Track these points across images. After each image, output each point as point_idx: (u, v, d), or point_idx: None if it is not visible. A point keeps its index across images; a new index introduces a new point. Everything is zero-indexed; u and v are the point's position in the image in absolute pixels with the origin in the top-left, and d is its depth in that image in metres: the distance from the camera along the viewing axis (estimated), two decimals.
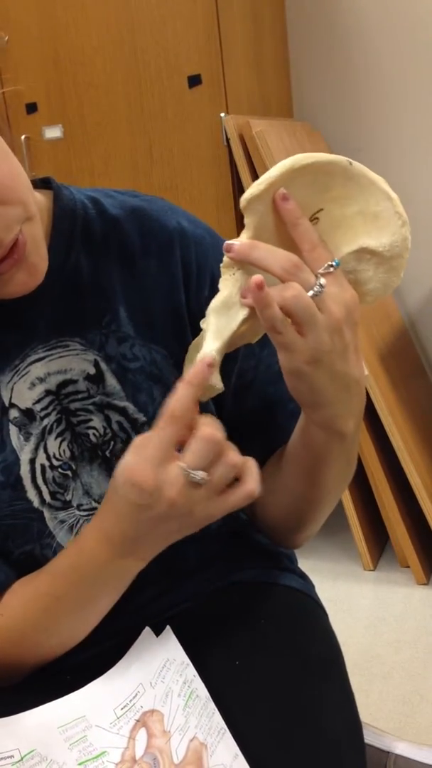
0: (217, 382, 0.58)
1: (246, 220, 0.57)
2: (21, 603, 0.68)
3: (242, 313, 0.58)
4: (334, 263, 0.57)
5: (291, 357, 0.56)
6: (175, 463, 0.56)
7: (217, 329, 0.58)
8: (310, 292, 0.55)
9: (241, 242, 0.56)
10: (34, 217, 0.62)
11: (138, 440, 0.58)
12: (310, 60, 2.17)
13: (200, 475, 0.56)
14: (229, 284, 0.58)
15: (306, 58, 2.18)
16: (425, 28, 2.02)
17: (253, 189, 0.55)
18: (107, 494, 0.62)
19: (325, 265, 0.56)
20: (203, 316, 0.73)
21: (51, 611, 0.66)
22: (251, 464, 0.59)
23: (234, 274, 0.58)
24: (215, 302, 0.58)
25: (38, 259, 0.63)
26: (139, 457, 0.56)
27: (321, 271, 0.56)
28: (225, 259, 0.58)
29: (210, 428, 0.56)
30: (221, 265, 0.58)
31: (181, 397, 0.56)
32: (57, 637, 0.68)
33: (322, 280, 0.56)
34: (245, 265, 0.57)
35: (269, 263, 0.55)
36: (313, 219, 0.58)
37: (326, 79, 2.17)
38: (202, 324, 0.60)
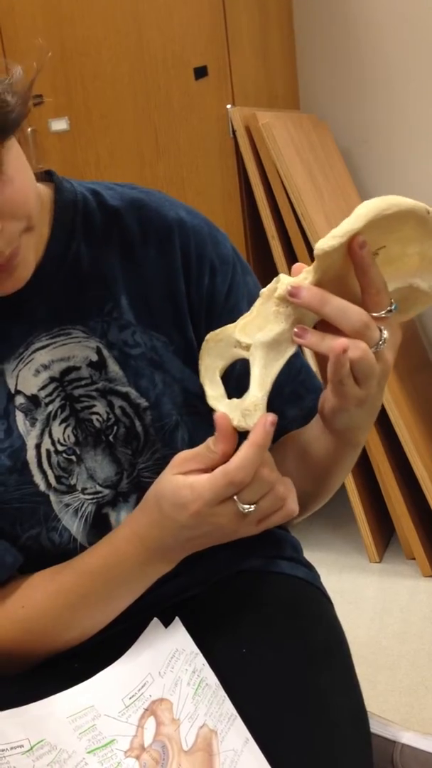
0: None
1: (315, 264, 0.56)
2: (43, 597, 0.69)
3: (291, 350, 0.59)
4: (392, 308, 0.58)
5: (344, 402, 0.59)
6: (228, 504, 0.60)
7: (265, 366, 0.59)
8: (374, 348, 0.57)
9: (310, 291, 0.56)
10: (35, 227, 0.63)
11: (179, 460, 0.62)
12: (317, 52, 2.16)
13: (251, 508, 0.60)
14: (281, 320, 0.58)
15: (312, 49, 2.17)
16: (431, 19, 2.01)
17: (333, 241, 0.55)
18: (146, 504, 0.65)
19: (386, 310, 0.58)
20: (204, 303, 0.74)
21: (75, 607, 0.68)
22: (291, 485, 0.63)
23: (287, 307, 0.58)
24: (266, 337, 0.59)
25: (25, 271, 0.64)
26: (194, 493, 0.59)
27: (381, 314, 0.58)
28: (280, 292, 0.57)
29: (267, 469, 0.60)
30: (276, 295, 0.58)
31: (246, 460, 0.58)
32: (76, 630, 0.70)
33: (386, 334, 0.58)
34: None
35: (340, 322, 0.56)
36: (374, 254, 0.58)
37: (333, 71, 2.16)
38: (239, 336, 0.61)
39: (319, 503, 0.79)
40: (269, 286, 0.60)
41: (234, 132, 1.75)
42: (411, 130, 2.11)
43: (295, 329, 0.58)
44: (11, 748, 0.61)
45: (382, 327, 0.58)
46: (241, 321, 0.62)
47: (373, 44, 2.10)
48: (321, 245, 0.55)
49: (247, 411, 0.59)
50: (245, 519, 0.61)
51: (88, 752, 0.61)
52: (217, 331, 0.63)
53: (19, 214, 0.60)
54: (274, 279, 0.60)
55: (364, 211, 0.55)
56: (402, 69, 2.08)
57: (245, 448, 0.58)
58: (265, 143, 1.72)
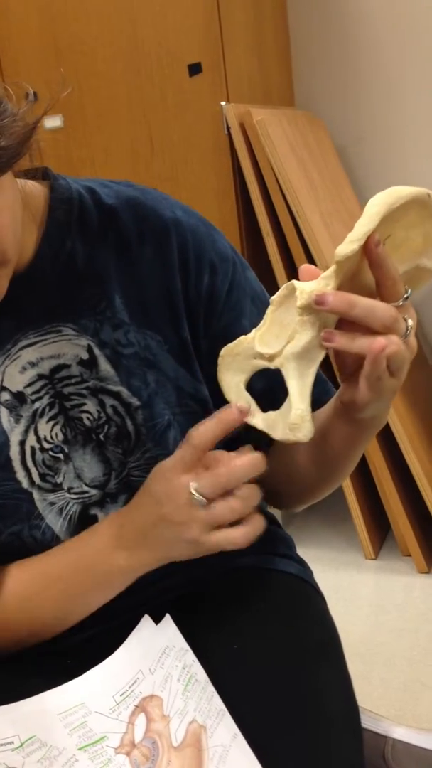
0: (308, 433, 0.60)
1: (336, 269, 0.57)
2: (15, 583, 0.70)
3: (321, 355, 0.60)
4: (408, 294, 0.59)
5: (380, 394, 0.60)
6: (187, 476, 0.62)
7: (300, 376, 0.60)
8: (403, 338, 0.58)
9: (336, 297, 0.56)
10: (10, 262, 0.62)
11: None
12: (312, 48, 2.16)
13: (202, 501, 0.61)
14: (308, 327, 0.58)
15: (307, 46, 2.17)
16: (427, 16, 2.01)
17: (353, 245, 0.55)
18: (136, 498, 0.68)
19: (403, 298, 0.59)
20: (203, 301, 0.73)
21: (40, 593, 0.69)
22: (258, 523, 0.64)
23: (311, 314, 0.58)
24: (296, 348, 0.59)
25: None
26: (166, 459, 0.65)
27: (399, 303, 0.58)
28: (303, 302, 0.57)
29: (226, 468, 0.61)
30: (298, 305, 0.58)
31: (206, 428, 0.62)
32: (41, 619, 0.71)
33: (411, 322, 0.59)
34: None
35: (370, 321, 0.57)
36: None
37: (328, 68, 2.16)
38: (260, 348, 0.62)
39: (326, 491, 0.79)
40: (279, 293, 0.61)
41: (228, 129, 1.75)
42: (407, 128, 2.11)
43: (323, 334, 0.58)
44: (1, 745, 0.61)
45: (405, 316, 0.59)
46: (257, 332, 0.62)
47: (369, 41, 2.10)
48: (342, 251, 0.56)
49: (295, 425, 0.60)
50: (199, 512, 0.62)
51: (79, 749, 0.61)
52: (231, 345, 0.64)
53: None
54: (284, 286, 0.60)
55: (376, 210, 0.55)
56: (398, 66, 2.08)
57: (211, 418, 0.62)
58: (259, 140, 1.72)
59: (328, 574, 1.86)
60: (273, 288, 0.81)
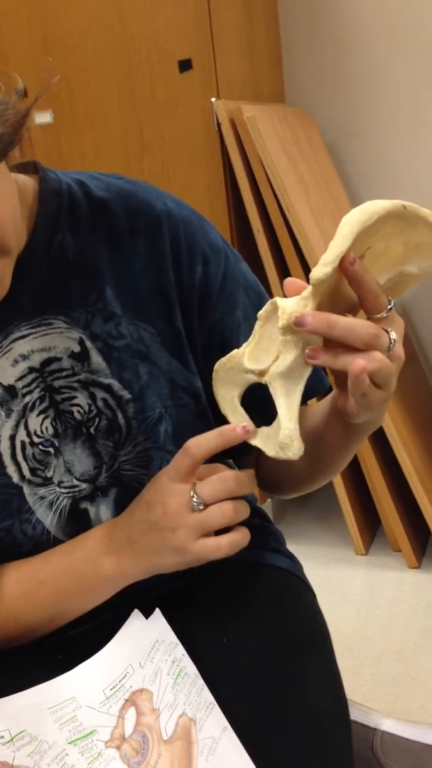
0: (297, 452, 0.60)
1: (313, 290, 0.57)
2: (9, 583, 0.70)
3: (307, 372, 0.60)
4: (392, 305, 0.59)
5: (369, 407, 0.60)
6: (181, 485, 0.64)
7: (287, 395, 0.60)
8: (386, 353, 0.58)
9: (315, 318, 0.56)
10: (9, 252, 0.62)
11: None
12: (302, 45, 2.16)
13: (200, 504, 0.63)
14: (291, 347, 0.59)
15: (298, 42, 2.17)
16: (418, 13, 2.02)
17: (326, 268, 0.55)
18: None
19: (386, 309, 0.59)
20: (196, 292, 0.74)
21: (31, 594, 0.70)
22: (244, 534, 0.64)
23: (294, 334, 0.58)
24: (281, 367, 0.60)
25: (1, 289, 0.64)
26: (164, 469, 0.66)
27: (383, 315, 0.58)
28: (284, 323, 0.58)
29: (229, 473, 0.64)
30: (279, 326, 0.58)
31: (205, 440, 0.63)
32: (27, 624, 0.71)
33: (394, 335, 0.58)
34: None
35: (351, 340, 0.56)
36: (361, 257, 0.58)
37: (318, 65, 2.16)
38: (249, 364, 0.62)
39: (325, 480, 0.80)
40: (265, 308, 0.61)
41: (219, 125, 1.75)
42: (397, 125, 2.12)
43: (307, 351, 0.58)
44: None
45: (389, 329, 0.58)
46: (247, 348, 0.63)
47: (360, 38, 2.10)
48: (316, 275, 0.56)
49: (284, 444, 0.60)
50: (190, 516, 0.63)
51: (69, 743, 0.61)
52: (224, 359, 0.64)
53: None
54: (269, 302, 0.60)
55: (349, 230, 0.55)
56: (388, 63, 2.09)
57: (213, 431, 0.63)
58: (250, 136, 1.72)
59: (318, 570, 1.87)
60: (263, 285, 0.82)
